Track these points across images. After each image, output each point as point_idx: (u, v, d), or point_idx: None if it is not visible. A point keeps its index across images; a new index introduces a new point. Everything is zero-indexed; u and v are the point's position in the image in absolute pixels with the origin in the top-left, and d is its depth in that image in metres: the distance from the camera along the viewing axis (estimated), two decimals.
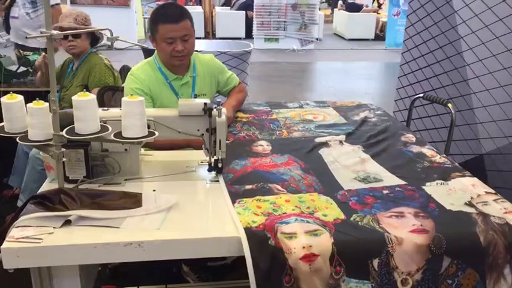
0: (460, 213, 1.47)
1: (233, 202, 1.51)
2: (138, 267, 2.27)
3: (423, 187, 1.64)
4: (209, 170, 1.75)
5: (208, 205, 1.62)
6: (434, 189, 1.63)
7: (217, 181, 1.71)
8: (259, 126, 2.23)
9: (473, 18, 2.88)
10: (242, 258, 1.34)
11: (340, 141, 2.05)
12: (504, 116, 2.68)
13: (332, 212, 1.46)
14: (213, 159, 1.73)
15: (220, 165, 1.72)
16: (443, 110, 3.00)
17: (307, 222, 1.38)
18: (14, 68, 3.35)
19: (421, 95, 2.79)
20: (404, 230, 1.37)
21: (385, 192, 1.60)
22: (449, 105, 2.50)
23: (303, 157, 1.88)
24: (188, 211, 1.50)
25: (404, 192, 1.60)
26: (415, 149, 2.01)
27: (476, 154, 2.91)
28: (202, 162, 1.83)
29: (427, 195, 1.58)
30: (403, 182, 1.68)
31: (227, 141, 1.88)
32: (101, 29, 1.68)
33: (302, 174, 1.72)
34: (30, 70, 3.42)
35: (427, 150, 1.99)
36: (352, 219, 1.43)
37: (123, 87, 2.66)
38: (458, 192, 1.61)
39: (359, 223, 1.41)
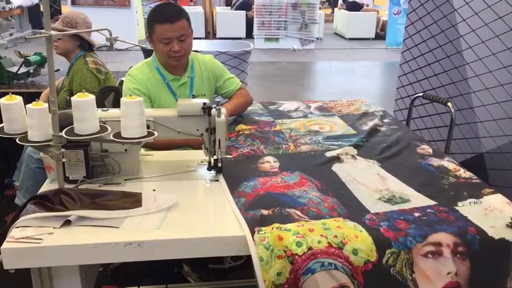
0: (501, 242, 1.36)
1: (252, 232, 1.34)
2: (139, 267, 2.28)
3: (456, 208, 1.51)
4: (209, 170, 1.75)
5: (209, 204, 1.63)
6: (468, 209, 1.50)
7: (217, 180, 1.71)
8: (264, 139, 2.08)
9: (473, 16, 2.88)
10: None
11: (353, 156, 1.92)
12: (504, 114, 2.68)
13: (363, 245, 1.30)
14: (212, 159, 1.74)
15: (220, 164, 1.73)
16: (443, 109, 3.00)
17: (335, 268, 1.26)
18: (14, 69, 3.36)
19: (421, 94, 2.78)
20: (437, 285, 1.31)
21: (416, 214, 1.46)
22: (449, 104, 2.50)
23: (316, 175, 1.73)
24: (188, 211, 1.50)
25: (437, 215, 1.46)
26: (435, 162, 1.88)
27: (476, 153, 2.91)
28: (202, 161, 1.83)
29: (464, 218, 1.45)
30: (433, 202, 1.54)
31: (230, 157, 1.86)
32: (100, 30, 1.68)
33: (321, 196, 1.57)
34: (31, 71, 3.43)
35: (448, 164, 1.85)
36: (384, 261, 1.29)
37: (118, 87, 2.68)
38: (495, 212, 1.49)
39: (391, 270, 1.29)
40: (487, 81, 2.80)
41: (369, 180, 1.70)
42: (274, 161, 1.85)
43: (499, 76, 2.70)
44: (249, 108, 2.47)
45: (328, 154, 1.93)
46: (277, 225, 1.36)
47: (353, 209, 1.49)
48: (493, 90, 2.75)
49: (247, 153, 1.94)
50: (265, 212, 1.45)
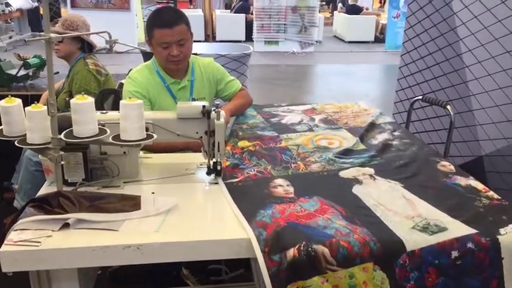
0: None
1: None
2: (138, 270, 2.27)
3: (499, 237, 1.39)
4: (208, 173, 1.75)
5: (208, 207, 1.63)
6: (510, 237, 1.41)
7: (217, 183, 1.71)
8: (270, 157, 1.93)
9: (473, 20, 2.88)
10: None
11: (371, 176, 1.79)
12: (503, 117, 2.68)
13: None
14: (212, 162, 1.73)
15: (219, 167, 1.72)
16: (442, 112, 3.00)
17: None
18: (13, 72, 3.36)
19: (420, 97, 2.79)
20: None
21: (453, 255, 1.36)
22: (448, 107, 2.50)
23: (337, 199, 1.58)
24: (187, 213, 1.50)
25: (475, 254, 1.37)
26: (462, 181, 1.75)
27: (475, 156, 2.91)
28: (201, 164, 1.83)
29: (498, 261, 1.38)
30: (473, 231, 1.41)
31: (236, 180, 1.74)
32: (100, 32, 1.69)
33: (348, 226, 1.42)
34: (30, 74, 3.43)
35: (475, 183, 1.74)
36: None
37: (117, 89, 2.68)
38: None
39: None
40: (486, 84, 2.80)
41: (396, 205, 1.56)
42: (288, 185, 1.70)
43: (498, 79, 2.71)
44: (250, 121, 2.38)
45: (343, 174, 1.80)
46: (301, 284, 1.29)
47: (387, 244, 1.36)
48: (493, 93, 2.75)
49: (254, 176, 1.78)
50: (290, 252, 1.31)
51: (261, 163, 1.89)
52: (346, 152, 2.01)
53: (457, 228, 1.43)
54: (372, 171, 1.83)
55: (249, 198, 1.59)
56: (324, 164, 1.89)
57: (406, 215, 1.51)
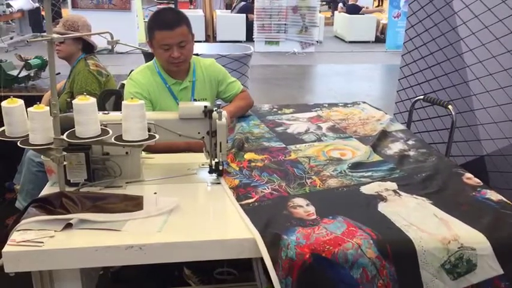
0: None
1: None
2: (140, 271, 2.28)
3: None
4: (210, 173, 1.75)
5: (210, 208, 1.63)
6: None
7: (219, 183, 1.71)
8: (281, 172, 1.82)
9: (473, 19, 2.88)
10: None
11: (395, 191, 1.68)
12: (504, 117, 2.68)
13: None
14: (213, 162, 1.74)
15: (221, 167, 1.73)
16: (443, 111, 3.00)
17: None
18: (15, 72, 3.36)
19: (422, 97, 2.79)
20: None
21: None
22: (450, 106, 2.51)
23: (363, 219, 1.46)
24: (189, 214, 1.51)
25: None
26: (492, 195, 1.65)
27: (477, 155, 2.91)
28: (203, 164, 1.84)
29: None
30: (500, 271, 1.35)
31: (252, 200, 1.62)
32: (101, 33, 1.69)
33: (378, 260, 1.32)
34: (32, 75, 3.44)
35: (505, 198, 1.65)
36: None
37: (119, 90, 2.68)
38: None
39: None
40: (487, 84, 2.80)
41: (429, 226, 1.44)
42: (307, 204, 1.58)
43: (499, 79, 2.71)
44: (256, 131, 2.28)
45: (365, 190, 1.69)
46: None
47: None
48: (494, 93, 2.75)
49: (270, 195, 1.64)
50: None
51: (274, 179, 1.77)
52: (362, 165, 1.90)
53: (486, 266, 1.37)
54: (394, 186, 1.72)
55: (270, 220, 1.46)
56: (341, 179, 1.78)
57: (441, 237, 1.39)
